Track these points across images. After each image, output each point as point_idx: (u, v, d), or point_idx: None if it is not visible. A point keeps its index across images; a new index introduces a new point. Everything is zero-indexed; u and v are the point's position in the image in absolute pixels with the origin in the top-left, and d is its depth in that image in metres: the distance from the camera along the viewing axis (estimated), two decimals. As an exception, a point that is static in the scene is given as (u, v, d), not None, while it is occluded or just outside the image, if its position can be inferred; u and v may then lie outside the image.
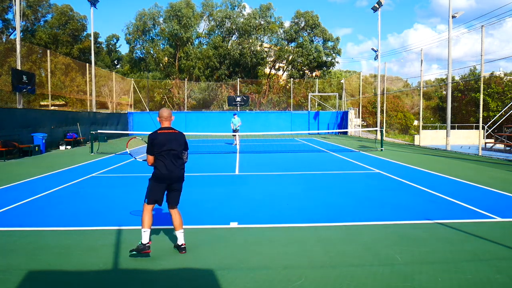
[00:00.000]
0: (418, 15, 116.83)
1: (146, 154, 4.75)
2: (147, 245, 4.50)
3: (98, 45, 50.73)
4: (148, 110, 35.65)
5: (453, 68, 21.52)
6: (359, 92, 32.36)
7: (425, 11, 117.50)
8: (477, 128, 21.41)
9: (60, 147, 19.68)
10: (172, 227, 5.86)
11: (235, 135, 21.14)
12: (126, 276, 4.11)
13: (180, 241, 4.72)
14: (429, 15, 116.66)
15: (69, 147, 20.25)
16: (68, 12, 46.22)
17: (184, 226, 5.93)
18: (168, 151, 4.63)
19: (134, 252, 4.51)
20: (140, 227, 4.64)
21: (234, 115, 22.07)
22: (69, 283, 3.97)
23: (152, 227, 5.81)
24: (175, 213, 4.81)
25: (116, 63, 58.55)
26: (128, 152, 6.05)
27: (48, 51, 22.08)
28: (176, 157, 4.68)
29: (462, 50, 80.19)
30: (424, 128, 25.72)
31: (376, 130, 24.91)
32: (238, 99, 34.24)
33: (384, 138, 21.05)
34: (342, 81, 38.53)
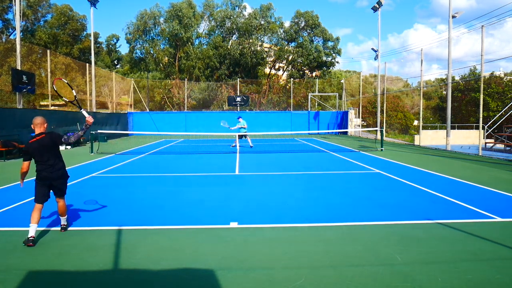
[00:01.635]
0: (418, 15, 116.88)
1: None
2: (30, 238, 4.97)
3: (98, 45, 50.74)
4: (148, 110, 35.65)
5: (453, 68, 21.53)
6: (359, 92, 32.37)
7: (425, 11, 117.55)
8: (477, 128, 21.42)
9: (60, 147, 19.65)
10: (172, 227, 5.88)
11: (242, 137, 19.93)
12: (126, 276, 4.11)
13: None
14: (430, 15, 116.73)
15: (69, 147, 20.26)
16: (68, 12, 46.22)
17: (184, 226, 5.96)
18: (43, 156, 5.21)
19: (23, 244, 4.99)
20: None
21: (239, 118, 19.85)
22: (69, 283, 3.97)
23: (152, 227, 5.84)
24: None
25: (116, 63, 58.56)
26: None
27: (48, 51, 22.08)
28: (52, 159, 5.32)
29: (463, 50, 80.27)
30: (424, 128, 25.72)
31: (376, 130, 24.91)
32: (238, 99, 34.25)
33: (384, 138, 21.05)
34: (342, 81, 38.54)
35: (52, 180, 5.29)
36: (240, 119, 19.59)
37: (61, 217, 5.63)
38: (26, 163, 5.16)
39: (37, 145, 5.16)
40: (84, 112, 5.81)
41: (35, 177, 5.30)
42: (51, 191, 5.44)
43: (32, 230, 5.03)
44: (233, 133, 19.76)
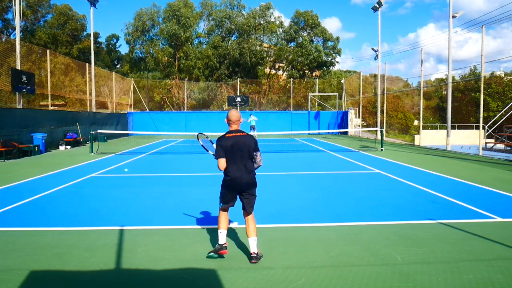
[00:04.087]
0: (418, 15, 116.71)
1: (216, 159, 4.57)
2: (224, 245, 4.52)
3: (98, 45, 50.75)
4: (148, 110, 35.65)
5: (454, 68, 21.51)
6: (359, 92, 32.37)
7: (425, 11, 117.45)
8: (477, 128, 21.41)
9: (60, 147, 19.67)
10: (172, 227, 5.88)
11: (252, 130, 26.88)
12: (126, 276, 4.11)
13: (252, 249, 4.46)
14: (430, 16, 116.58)
15: (68, 147, 20.25)
16: (68, 12, 46.24)
17: (184, 226, 5.96)
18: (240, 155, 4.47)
19: (211, 254, 4.50)
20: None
21: (250, 115, 28.22)
22: (69, 283, 3.97)
23: (152, 227, 5.84)
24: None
25: (116, 63, 58.60)
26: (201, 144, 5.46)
27: (48, 51, 22.07)
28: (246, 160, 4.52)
29: (467, 50, 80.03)
30: (424, 128, 25.71)
31: (376, 130, 24.91)
32: (238, 99, 34.26)
33: (384, 138, 21.04)
34: (342, 81, 38.53)
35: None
36: (252, 116, 28.01)
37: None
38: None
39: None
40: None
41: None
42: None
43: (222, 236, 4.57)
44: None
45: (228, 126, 4.63)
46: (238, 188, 4.54)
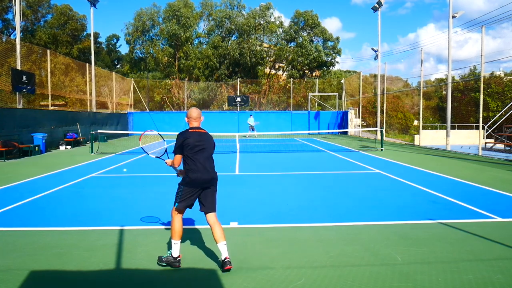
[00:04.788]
0: (418, 15, 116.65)
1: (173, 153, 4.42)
2: (177, 258, 4.25)
3: (98, 45, 50.75)
4: (148, 110, 35.64)
5: (454, 68, 21.51)
6: (359, 92, 32.36)
7: (425, 11, 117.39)
8: (477, 128, 21.40)
9: (60, 147, 19.67)
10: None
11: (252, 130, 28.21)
12: (126, 276, 4.11)
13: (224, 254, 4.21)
14: (430, 16, 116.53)
15: (69, 147, 20.25)
16: (68, 12, 46.26)
17: (184, 226, 5.94)
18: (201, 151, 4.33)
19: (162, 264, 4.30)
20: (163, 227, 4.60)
21: (250, 115, 29.86)
22: (69, 283, 3.97)
23: (152, 227, 5.83)
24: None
25: (116, 63, 58.59)
26: (141, 146, 5.40)
27: (48, 51, 22.07)
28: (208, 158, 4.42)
29: (467, 50, 80.00)
30: (424, 128, 25.71)
31: (376, 130, 24.91)
32: (238, 99, 34.25)
33: (384, 138, 21.05)
34: (342, 81, 38.52)
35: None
36: (251, 116, 29.50)
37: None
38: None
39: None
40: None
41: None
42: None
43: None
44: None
45: (188, 124, 4.45)
46: (202, 184, 4.31)
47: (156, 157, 5.01)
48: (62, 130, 20.66)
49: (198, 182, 4.29)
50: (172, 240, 4.28)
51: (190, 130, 4.36)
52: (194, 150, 4.29)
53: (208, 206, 4.40)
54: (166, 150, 4.91)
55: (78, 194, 8.25)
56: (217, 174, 4.52)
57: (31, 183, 9.64)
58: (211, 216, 4.38)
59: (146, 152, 5.30)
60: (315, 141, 25.25)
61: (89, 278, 4.06)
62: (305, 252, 4.74)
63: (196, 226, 5.88)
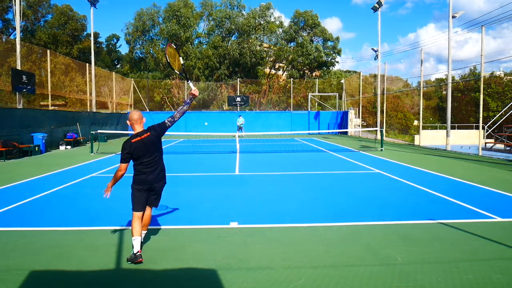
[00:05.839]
0: (419, 15, 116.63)
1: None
2: (138, 253, 4.40)
3: (98, 45, 50.74)
4: (148, 110, 35.64)
5: (454, 68, 21.52)
6: (359, 92, 32.37)
7: (425, 11, 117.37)
8: (477, 128, 21.41)
9: (60, 147, 19.67)
10: (172, 227, 5.88)
11: (240, 130, 27.69)
12: (126, 276, 4.11)
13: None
14: (430, 16, 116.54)
15: (69, 147, 20.25)
16: (68, 12, 46.28)
17: (184, 226, 5.96)
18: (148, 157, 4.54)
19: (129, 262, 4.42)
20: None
21: (239, 116, 28.87)
22: (69, 283, 3.97)
23: (152, 227, 5.83)
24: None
25: (116, 63, 58.58)
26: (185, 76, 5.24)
27: (48, 51, 22.07)
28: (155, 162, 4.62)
29: (467, 50, 79.97)
30: (424, 128, 25.70)
31: (376, 130, 24.91)
32: (238, 99, 34.25)
33: (384, 138, 21.05)
34: (342, 81, 38.52)
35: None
36: (240, 117, 28.60)
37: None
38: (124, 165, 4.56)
39: (141, 144, 4.50)
40: (190, 84, 5.15)
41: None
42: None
43: (137, 243, 4.42)
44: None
45: (132, 128, 4.60)
46: (150, 188, 4.59)
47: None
48: (62, 130, 20.66)
49: (146, 185, 4.59)
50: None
51: (133, 140, 4.48)
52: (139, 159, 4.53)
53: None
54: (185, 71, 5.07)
55: (78, 194, 8.25)
56: (164, 174, 4.76)
57: (31, 183, 9.64)
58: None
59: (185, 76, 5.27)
60: (315, 141, 25.25)
61: (89, 278, 4.06)
62: (305, 252, 4.74)
63: (195, 226, 5.88)
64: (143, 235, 4.65)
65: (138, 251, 4.39)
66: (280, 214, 6.55)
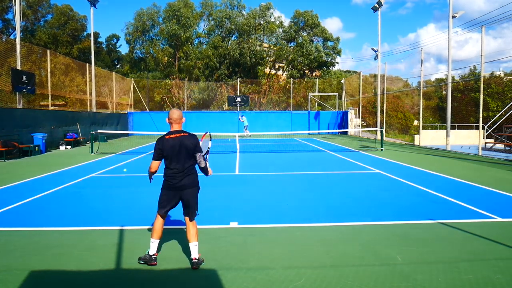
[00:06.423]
0: (419, 15, 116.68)
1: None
2: (153, 256, 4.34)
3: (98, 45, 50.74)
4: (148, 110, 35.64)
5: (454, 68, 21.53)
6: (359, 92, 32.37)
7: (426, 11, 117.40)
8: (477, 128, 21.40)
9: (60, 147, 19.67)
10: (172, 227, 5.88)
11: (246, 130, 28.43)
12: (126, 275, 4.12)
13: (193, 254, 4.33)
14: (430, 16, 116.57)
15: (69, 147, 20.25)
16: (68, 12, 46.27)
17: (184, 226, 5.93)
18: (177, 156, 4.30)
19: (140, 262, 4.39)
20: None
21: (242, 116, 29.40)
22: (69, 283, 3.97)
23: (152, 227, 5.82)
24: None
25: (116, 63, 58.56)
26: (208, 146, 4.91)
27: (48, 51, 22.06)
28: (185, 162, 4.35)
29: (467, 50, 79.96)
30: (424, 128, 25.70)
31: (376, 130, 24.91)
32: (238, 99, 34.25)
33: (384, 138, 21.05)
34: (342, 81, 38.52)
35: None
36: (242, 117, 29.02)
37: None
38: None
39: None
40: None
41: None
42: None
43: (153, 246, 4.37)
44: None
45: (170, 126, 4.44)
46: (177, 190, 4.35)
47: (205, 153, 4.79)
48: (62, 130, 20.66)
49: (172, 187, 4.36)
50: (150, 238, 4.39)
51: (166, 137, 4.34)
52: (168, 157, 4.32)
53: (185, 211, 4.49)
54: (208, 150, 4.76)
55: (78, 194, 8.25)
56: (194, 178, 4.43)
57: (31, 183, 9.64)
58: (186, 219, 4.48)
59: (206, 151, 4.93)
60: (315, 141, 25.25)
61: (89, 278, 4.06)
62: (305, 252, 4.74)
63: (198, 226, 5.86)
64: (193, 246, 4.31)
65: (154, 254, 4.32)
66: (280, 214, 6.55)
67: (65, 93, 25.45)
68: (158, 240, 4.39)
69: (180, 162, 4.30)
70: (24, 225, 6.00)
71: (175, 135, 4.32)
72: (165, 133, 4.45)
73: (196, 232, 4.38)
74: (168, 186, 4.37)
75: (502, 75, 32.88)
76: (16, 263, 4.43)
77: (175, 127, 4.39)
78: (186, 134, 4.38)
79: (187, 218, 4.42)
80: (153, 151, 4.42)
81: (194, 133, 4.48)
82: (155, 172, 4.43)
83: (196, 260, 4.27)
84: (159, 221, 4.40)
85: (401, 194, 8.18)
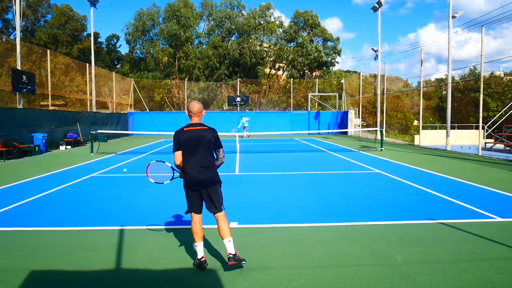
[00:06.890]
0: (419, 15, 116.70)
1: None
2: (202, 259, 4.19)
3: (98, 45, 50.74)
4: (148, 110, 35.64)
5: (454, 68, 21.52)
6: (359, 92, 32.37)
7: (426, 11, 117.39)
8: (477, 128, 21.40)
9: (60, 147, 19.67)
10: (172, 227, 5.88)
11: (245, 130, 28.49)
12: (126, 276, 4.12)
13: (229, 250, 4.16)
14: (430, 16, 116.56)
15: (69, 147, 20.25)
16: (68, 12, 46.26)
17: (184, 226, 5.96)
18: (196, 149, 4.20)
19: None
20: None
21: (242, 116, 29.47)
22: (69, 283, 3.97)
23: (152, 227, 5.83)
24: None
25: (116, 63, 58.54)
26: (153, 181, 5.01)
27: (48, 51, 22.06)
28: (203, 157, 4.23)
29: (467, 50, 79.96)
30: (424, 128, 25.70)
31: (376, 130, 24.91)
32: (238, 99, 34.25)
33: (384, 138, 21.04)
34: (342, 81, 38.52)
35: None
36: (243, 117, 29.03)
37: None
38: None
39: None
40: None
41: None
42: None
43: (199, 249, 4.25)
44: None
45: (189, 119, 4.35)
46: (197, 185, 4.20)
47: (170, 180, 4.83)
48: (62, 130, 20.66)
49: (192, 183, 4.23)
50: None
51: (185, 129, 4.26)
52: (186, 149, 4.22)
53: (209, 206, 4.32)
54: (172, 168, 4.71)
55: (78, 194, 8.25)
56: (212, 173, 4.28)
57: (31, 183, 9.64)
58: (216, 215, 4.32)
59: (162, 182, 4.98)
60: (315, 141, 25.25)
61: (89, 278, 4.06)
62: (305, 252, 4.74)
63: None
64: (227, 241, 4.15)
65: (202, 257, 4.19)
66: (280, 214, 6.55)
67: (65, 93, 25.46)
68: (202, 242, 4.24)
69: (196, 155, 4.19)
70: (24, 225, 6.00)
71: (193, 128, 4.24)
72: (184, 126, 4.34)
73: (227, 227, 4.20)
74: (187, 184, 4.26)
75: (502, 75, 32.87)
76: (16, 263, 4.43)
77: (195, 120, 4.31)
78: (206, 127, 4.29)
79: (215, 215, 4.27)
80: (172, 144, 4.33)
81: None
82: (181, 164, 4.25)
83: (232, 256, 4.07)
84: (194, 223, 4.27)
85: (401, 194, 8.18)
